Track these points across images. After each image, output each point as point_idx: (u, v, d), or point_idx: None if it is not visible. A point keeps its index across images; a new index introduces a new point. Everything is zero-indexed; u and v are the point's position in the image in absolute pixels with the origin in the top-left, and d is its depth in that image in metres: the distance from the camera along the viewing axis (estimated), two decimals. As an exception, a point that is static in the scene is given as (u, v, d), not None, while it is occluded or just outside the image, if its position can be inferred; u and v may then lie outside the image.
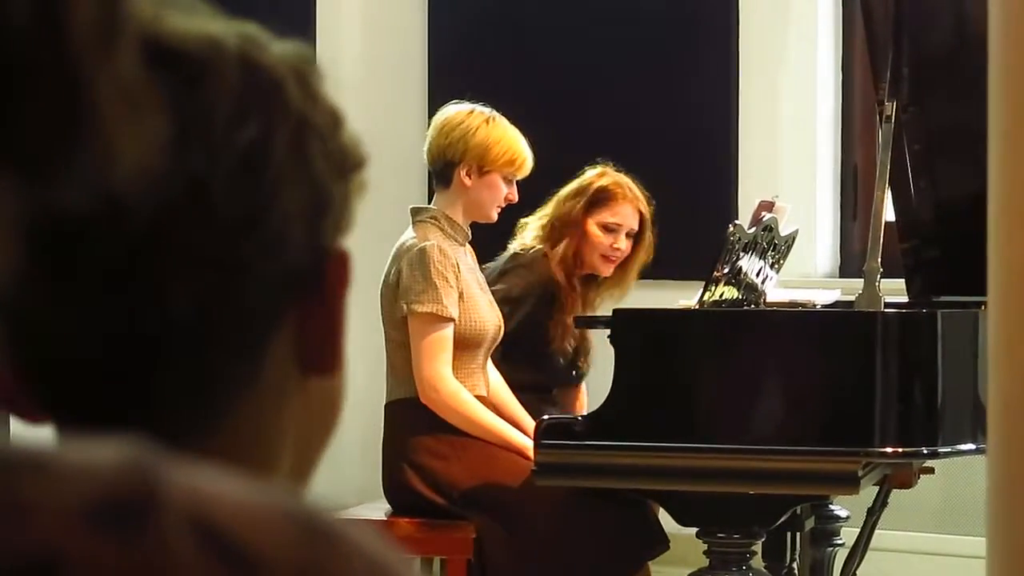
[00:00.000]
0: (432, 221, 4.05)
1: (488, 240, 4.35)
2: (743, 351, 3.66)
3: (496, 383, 4.15)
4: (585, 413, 3.73)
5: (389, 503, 4.07)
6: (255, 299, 0.83)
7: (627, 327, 3.73)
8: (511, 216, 4.17)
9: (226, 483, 0.66)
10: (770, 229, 4.08)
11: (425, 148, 4.13)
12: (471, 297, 4.00)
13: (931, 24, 4.05)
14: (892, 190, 4.05)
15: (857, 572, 4.24)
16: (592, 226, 4.29)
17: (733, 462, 3.53)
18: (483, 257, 4.31)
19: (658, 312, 4.10)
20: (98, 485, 0.63)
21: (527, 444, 3.83)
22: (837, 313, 4.08)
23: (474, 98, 4.15)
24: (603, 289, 4.37)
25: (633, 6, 5.85)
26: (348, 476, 5.47)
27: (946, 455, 3.62)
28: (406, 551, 0.72)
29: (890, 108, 3.92)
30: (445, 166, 4.07)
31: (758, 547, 3.85)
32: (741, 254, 3.94)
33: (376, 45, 6.23)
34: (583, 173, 4.38)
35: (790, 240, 4.27)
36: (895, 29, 3.95)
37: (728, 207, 5.53)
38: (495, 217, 4.10)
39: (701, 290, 3.89)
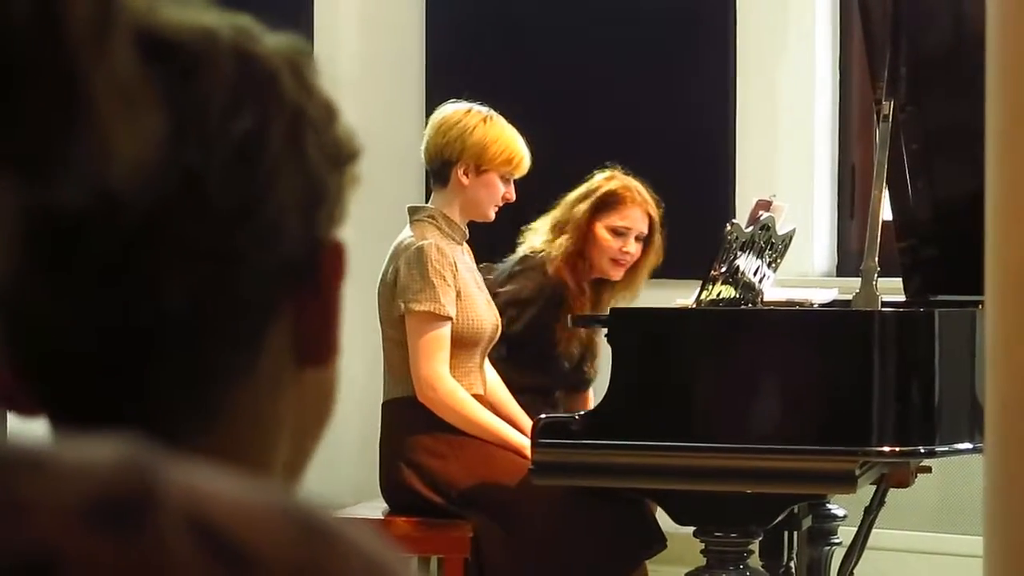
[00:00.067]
0: (429, 220, 4.05)
1: (486, 239, 4.35)
2: (740, 350, 3.66)
3: (493, 382, 4.15)
4: (582, 412, 3.73)
5: (386, 502, 4.07)
6: (250, 290, 0.84)
7: (624, 326, 3.73)
8: (508, 215, 4.17)
9: (223, 481, 0.66)
10: (767, 228, 4.08)
11: (422, 147, 4.13)
12: (469, 296, 4.00)
13: (929, 24, 4.05)
14: (890, 189, 4.05)
15: (854, 571, 4.24)
16: (601, 230, 4.27)
17: (730, 461, 3.53)
18: (481, 256, 4.31)
19: (655, 311, 4.10)
20: (95, 484, 0.63)
21: (525, 443, 3.83)
22: (834, 312, 4.08)
23: (472, 97, 4.14)
24: (613, 292, 4.35)
25: (632, 6, 5.84)
26: (345, 475, 5.47)
27: (943, 454, 3.62)
28: (403, 550, 0.71)
29: (888, 107, 3.92)
30: (442, 165, 4.07)
31: (755, 546, 3.85)
32: (738, 253, 3.94)
33: (373, 43, 6.23)
34: (592, 177, 4.36)
35: (787, 239, 4.27)
36: (893, 29, 3.95)
37: (726, 206, 5.53)
38: (492, 216, 4.10)
39: (698, 289, 3.89)
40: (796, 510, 4.02)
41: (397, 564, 0.68)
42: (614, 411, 3.62)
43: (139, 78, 0.66)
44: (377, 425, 4.09)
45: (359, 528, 0.68)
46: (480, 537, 3.90)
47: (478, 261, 4.25)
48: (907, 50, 3.97)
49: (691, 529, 3.67)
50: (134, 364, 0.82)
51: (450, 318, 3.93)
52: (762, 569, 3.99)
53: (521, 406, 4.12)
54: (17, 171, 0.63)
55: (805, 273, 5.52)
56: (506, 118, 4.12)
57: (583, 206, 4.28)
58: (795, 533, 4.25)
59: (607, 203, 4.29)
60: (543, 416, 3.71)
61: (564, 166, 5.18)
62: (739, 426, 3.57)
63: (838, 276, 5.62)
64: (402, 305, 3.93)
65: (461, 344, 3.97)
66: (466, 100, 4.13)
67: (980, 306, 3.17)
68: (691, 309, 3.94)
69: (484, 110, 4.10)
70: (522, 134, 4.11)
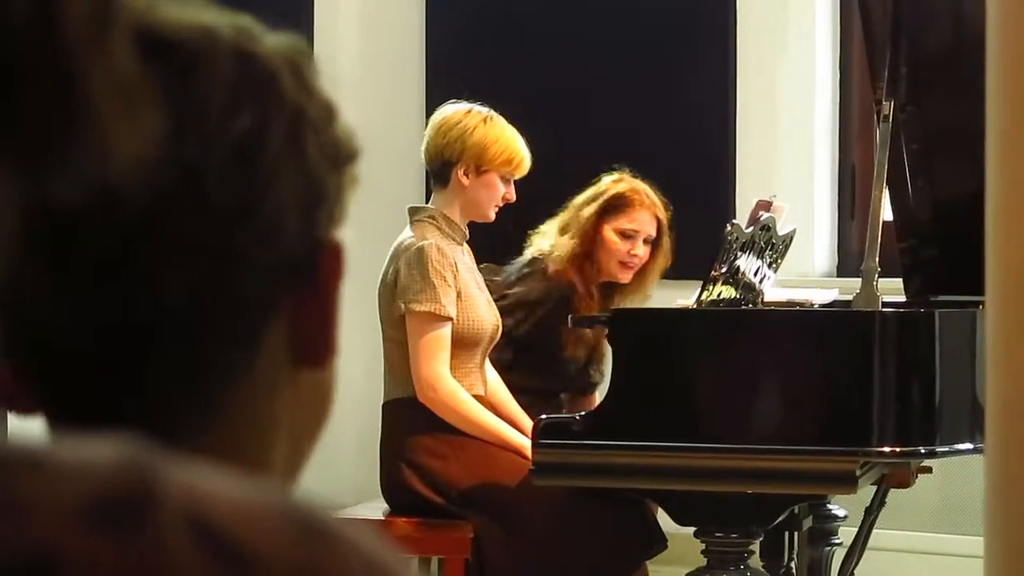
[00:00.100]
0: (430, 220, 4.05)
1: (486, 239, 4.34)
2: (741, 351, 3.66)
3: (494, 382, 4.15)
4: (583, 413, 3.72)
5: (387, 502, 4.06)
6: (249, 288, 0.84)
7: (625, 326, 3.73)
8: (509, 216, 4.17)
9: (223, 481, 0.66)
10: (768, 228, 4.08)
11: (423, 147, 4.13)
12: (469, 296, 4.00)
13: (929, 24, 4.05)
14: (890, 189, 4.05)
15: (855, 571, 4.24)
16: (609, 232, 4.26)
17: (731, 461, 3.53)
18: (481, 256, 4.31)
19: (656, 311, 4.10)
20: (95, 483, 0.63)
21: (525, 443, 3.83)
22: (835, 313, 4.08)
23: (472, 97, 4.14)
24: (624, 295, 4.34)
25: (632, 6, 5.84)
26: (346, 475, 5.47)
27: (944, 455, 3.62)
28: (404, 550, 0.71)
29: (888, 107, 3.92)
30: (443, 166, 4.07)
31: (756, 546, 3.85)
32: (739, 253, 3.94)
33: (374, 44, 6.23)
34: (599, 179, 4.36)
35: (788, 239, 4.26)
36: (893, 29, 3.95)
37: (726, 206, 5.53)
38: (492, 217, 4.10)
39: (699, 289, 3.89)
40: (797, 510, 4.02)
41: (397, 564, 0.68)
42: (615, 411, 3.61)
43: (138, 76, 0.66)
44: (377, 425, 4.09)
45: (358, 528, 0.68)
46: (481, 537, 3.90)
47: (478, 261, 4.25)
48: (907, 50, 3.97)
49: (692, 529, 3.67)
50: (133, 361, 0.82)
51: (451, 318, 3.93)
52: (763, 569, 3.99)
53: (526, 408, 4.11)
54: (16, 169, 0.63)
55: (805, 273, 5.52)
56: (506, 118, 4.12)
57: (591, 209, 4.28)
58: (796, 533, 4.25)
59: (615, 206, 4.28)
60: (544, 416, 3.71)
61: (564, 166, 5.17)
62: (740, 426, 3.57)
63: (838, 276, 5.62)
64: (402, 305, 3.93)
65: (462, 344, 3.97)
66: (466, 100, 4.13)
67: (980, 306, 3.17)
68: (692, 309, 3.94)
69: (484, 110, 4.10)
70: (522, 134, 4.11)
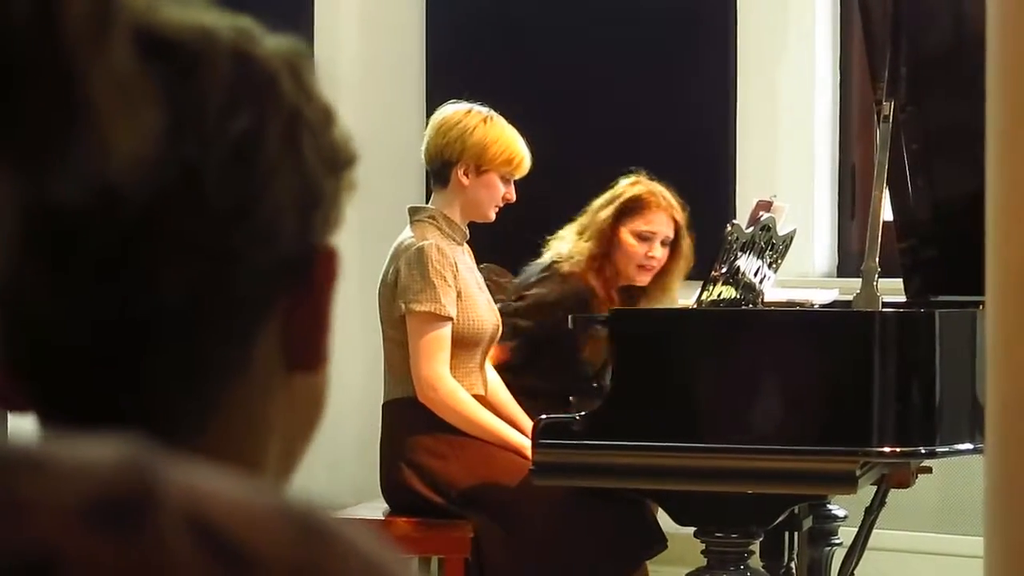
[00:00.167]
0: (430, 220, 4.05)
1: (486, 240, 4.35)
2: (741, 351, 3.66)
3: (494, 383, 4.15)
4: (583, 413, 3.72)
5: (387, 502, 4.06)
6: (244, 288, 0.84)
7: (625, 326, 3.73)
8: (509, 216, 4.17)
9: (222, 481, 0.66)
10: (768, 228, 4.08)
11: (423, 148, 4.13)
12: (469, 296, 4.00)
13: (929, 24, 4.05)
14: (890, 190, 4.05)
15: (855, 572, 4.24)
16: (626, 235, 4.26)
17: (731, 462, 3.53)
18: (481, 256, 4.31)
19: (656, 311, 4.10)
20: (95, 483, 0.63)
21: (525, 443, 3.83)
22: (835, 313, 4.08)
23: (472, 97, 4.14)
24: (649, 299, 4.32)
25: (632, 6, 5.84)
26: (346, 475, 5.48)
27: (944, 455, 3.62)
28: (404, 550, 0.71)
29: (888, 108, 3.92)
30: (443, 166, 4.07)
31: (756, 547, 3.85)
32: (739, 253, 3.94)
33: (374, 44, 6.23)
34: (616, 183, 4.35)
35: (788, 239, 4.26)
36: (893, 29, 3.95)
37: (726, 207, 5.53)
38: (493, 217, 4.10)
39: (699, 290, 3.89)
40: (797, 510, 4.02)
41: (396, 564, 0.68)
42: (615, 411, 3.61)
43: (138, 75, 0.66)
44: (377, 425, 4.09)
45: (358, 528, 0.68)
46: (480, 537, 3.90)
47: (478, 261, 4.25)
48: (907, 50, 3.97)
49: (692, 529, 3.67)
50: (130, 359, 0.82)
51: (451, 318, 3.93)
52: (763, 570, 3.99)
53: (538, 411, 4.10)
54: (16, 169, 0.63)
55: (806, 274, 5.52)
56: (506, 118, 4.12)
57: (607, 211, 4.27)
58: (796, 533, 4.25)
59: (632, 208, 4.27)
60: (543, 417, 3.70)
61: (564, 166, 5.18)
62: (740, 427, 3.57)
63: (839, 276, 5.62)
64: (403, 305, 3.93)
65: (462, 344, 3.97)
66: (466, 100, 4.13)
67: (981, 306, 3.17)
68: (692, 309, 3.94)
69: (484, 110, 4.10)
70: (522, 134, 4.11)
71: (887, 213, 4.03)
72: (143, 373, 0.82)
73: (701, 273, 3.90)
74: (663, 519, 3.80)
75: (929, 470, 4.19)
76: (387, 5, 6.24)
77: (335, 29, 6.15)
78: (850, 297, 3.83)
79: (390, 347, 4.04)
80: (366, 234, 5.02)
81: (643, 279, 4.28)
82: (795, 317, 3.96)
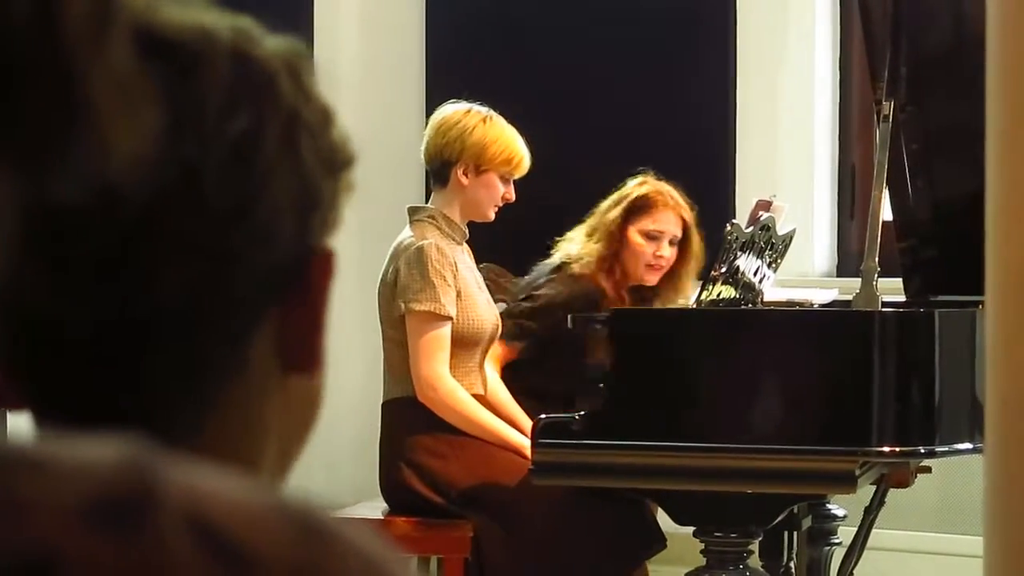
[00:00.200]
0: (429, 220, 4.05)
1: (487, 239, 4.35)
2: (740, 350, 3.65)
3: (494, 382, 4.15)
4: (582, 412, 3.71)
5: (386, 502, 4.06)
6: (241, 289, 0.83)
7: (625, 326, 3.73)
8: (508, 215, 4.17)
9: (222, 481, 0.66)
10: (768, 228, 4.08)
11: (422, 147, 4.13)
12: (469, 296, 4.00)
13: (929, 24, 4.05)
14: (890, 189, 4.05)
15: (854, 571, 4.24)
16: (634, 234, 4.25)
17: (730, 461, 3.53)
18: (481, 256, 4.31)
19: (656, 311, 4.10)
20: (95, 483, 0.63)
21: (525, 443, 3.83)
22: (835, 312, 4.08)
23: (471, 97, 4.14)
24: (662, 300, 4.31)
25: (632, 6, 5.84)
26: (345, 475, 5.47)
27: (943, 454, 3.62)
28: (403, 550, 0.72)
29: (888, 107, 3.92)
30: (442, 165, 4.07)
31: (755, 546, 3.85)
32: (739, 253, 3.94)
33: (374, 44, 6.23)
34: (624, 184, 4.35)
35: (788, 239, 4.26)
36: (893, 29, 3.95)
37: (726, 206, 5.53)
38: (492, 216, 4.10)
39: (699, 289, 3.89)
40: (796, 510, 4.02)
41: (395, 564, 0.68)
42: (614, 411, 3.61)
43: (137, 74, 0.66)
44: (377, 425, 4.09)
45: (358, 528, 0.68)
46: (480, 537, 3.90)
47: (478, 261, 4.25)
48: (907, 50, 3.97)
49: (691, 529, 3.67)
50: (127, 359, 0.81)
51: (450, 318, 3.93)
52: (762, 569, 3.99)
53: (544, 412, 4.08)
54: (16, 169, 0.63)
55: (805, 273, 5.52)
56: (506, 118, 4.12)
57: (616, 212, 4.26)
58: (795, 533, 4.25)
59: (639, 207, 4.27)
60: (543, 416, 3.70)
61: (564, 166, 5.17)
62: (739, 426, 3.57)
63: (838, 276, 5.62)
64: (402, 305, 3.93)
65: (461, 344, 3.97)
66: (466, 100, 4.13)
67: (980, 306, 3.17)
68: (691, 309, 3.94)
69: (484, 110, 4.10)
70: (522, 134, 4.11)
71: (887, 213, 4.03)
72: (140, 373, 0.82)
73: (701, 273, 3.89)
74: (662, 518, 3.80)
75: (928, 470, 4.19)
76: (387, 5, 6.24)
77: (335, 29, 6.15)
78: (850, 297, 3.83)
79: (389, 347, 4.04)
80: (366, 234, 5.01)
81: (652, 279, 4.27)
82: (795, 317, 3.95)
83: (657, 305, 4.27)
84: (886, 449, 3.55)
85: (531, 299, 4.24)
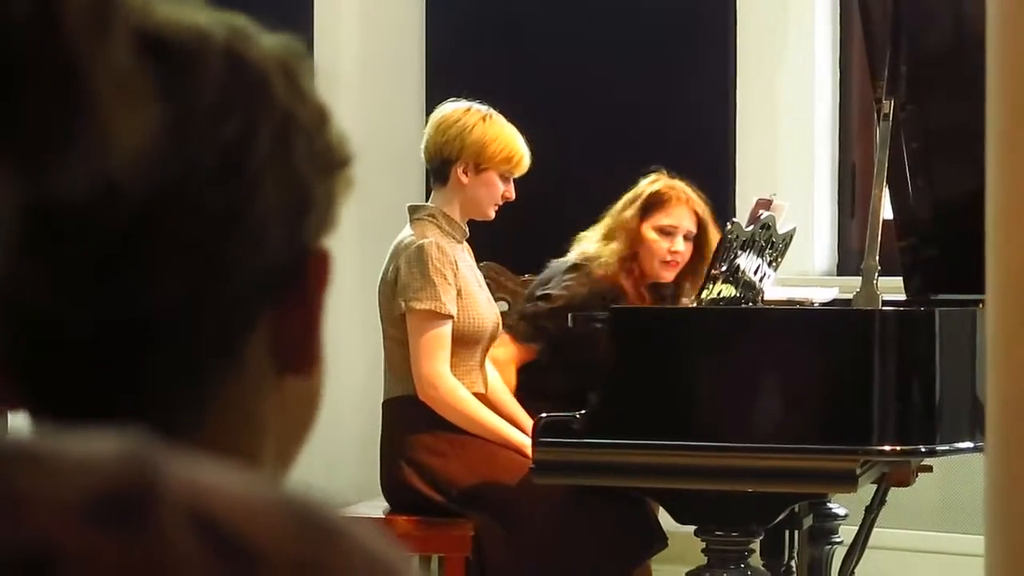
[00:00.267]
0: (430, 219, 4.05)
1: (487, 238, 4.34)
2: (741, 349, 3.65)
3: (494, 381, 4.15)
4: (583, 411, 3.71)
5: (387, 501, 4.06)
6: (236, 290, 0.83)
7: (625, 325, 3.73)
8: (508, 214, 4.17)
9: (224, 475, 0.66)
10: (768, 227, 4.08)
11: (422, 146, 4.13)
12: (469, 294, 4.00)
13: (929, 23, 4.05)
14: (890, 188, 4.05)
15: (855, 570, 4.24)
16: (648, 231, 4.24)
17: (731, 460, 3.53)
18: (481, 255, 4.31)
19: (656, 310, 4.10)
20: (96, 478, 0.63)
21: (526, 442, 3.83)
22: (835, 311, 4.08)
23: (471, 96, 4.15)
24: (686, 297, 4.30)
25: (632, 6, 5.84)
26: (346, 474, 5.47)
27: (944, 453, 3.62)
28: (404, 549, 0.71)
29: (888, 106, 3.91)
30: (442, 164, 4.07)
31: (756, 545, 3.85)
32: (739, 252, 3.94)
33: (374, 43, 6.23)
34: (637, 183, 4.34)
35: (788, 238, 4.26)
36: (893, 28, 3.95)
37: (726, 205, 5.53)
38: (492, 215, 4.10)
39: (699, 288, 3.89)
40: (797, 509, 4.02)
41: (400, 561, 0.68)
42: (615, 410, 3.61)
43: (137, 70, 0.66)
44: (378, 424, 4.09)
45: (362, 524, 0.68)
46: (481, 536, 3.90)
47: (478, 259, 4.25)
48: (907, 49, 3.97)
49: (692, 528, 3.67)
50: (124, 359, 0.81)
51: (451, 316, 3.93)
52: (763, 568, 3.99)
53: (562, 412, 4.06)
54: (17, 167, 0.63)
55: (806, 272, 5.52)
56: (506, 117, 4.12)
57: (632, 211, 4.25)
58: (796, 532, 4.25)
59: (653, 204, 4.26)
60: (544, 415, 3.70)
61: (564, 165, 5.17)
62: (740, 425, 3.56)
63: (839, 275, 5.62)
64: (403, 304, 3.93)
65: (462, 342, 3.97)
66: (466, 99, 4.13)
67: (981, 305, 3.17)
68: (692, 308, 3.94)
69: (483, 109, 4.10)
70: (522, 134, 4.11)
71: (887, 211, 4.03)
72: (138, 374, 0.82)
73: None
74: (663, 517, 3.80)
75: (929, 468, 4.19)
76: (387, 5, 6.24)
77: (335, 28, 6.15)
78: (850, 295, 3.83)
79: (390, 345, 4.04)
80: (366, 233, 5.01)
81: (668, 275, 4.26)
82: (795, 316, 3.95)
83: (683, 301, 4.26)
84: (887, 448, 3.55)
85: (547, 299, 4.22)
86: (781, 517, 3.69)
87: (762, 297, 4.20)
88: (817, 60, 5.66)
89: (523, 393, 4.18)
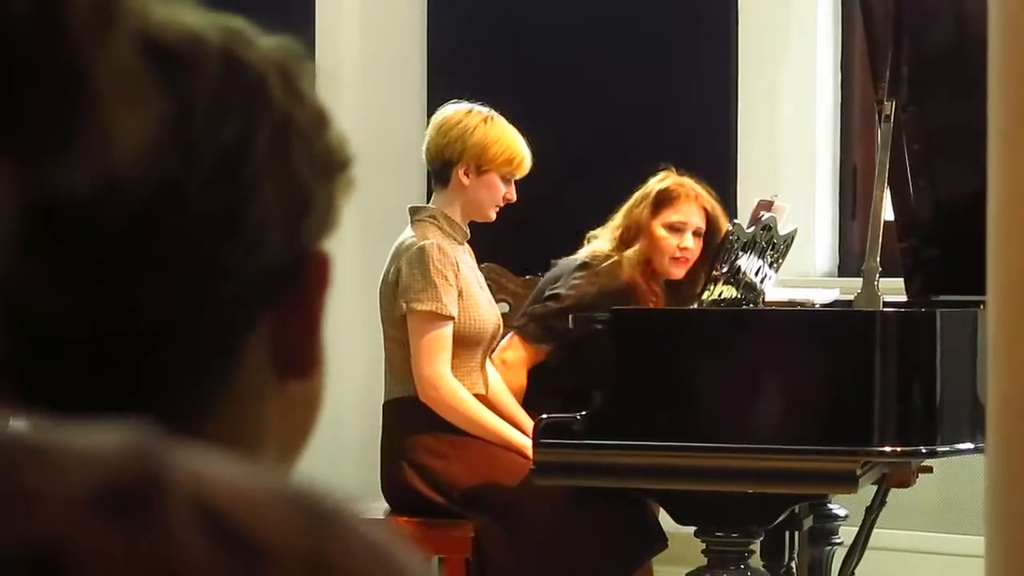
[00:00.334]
0: (431, 220, 4.05)
1: (488, 239, 4.34)
2: (742, 350, 3.65)
3: (495, 382, 4.15)
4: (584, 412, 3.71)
5: (388, 502, 4.07)
6: (234, 294, 0.83)
7: (626, 326, 3.73)
8: (509, 215, 4.17)
9: (229, 468, 0.66)
10: (769, 228, 4.08)
11: (423, 147, 4.13)
12: (470, 296, 4.00)
13: (931, 24, 4.05)
14: (891, 189, 4.05)
15: (856, 571, 4.24)
16: (658, 228, 4.22)
17: (732, 461, 3.53)
18: (482, 256, 4.31)
19: (657, 311, 4.09)
20: (101, 472, 0.63)
21: (526, 443, 3.83)
22: (836, 312, 4.08)
23: (473, 97, 4.15)
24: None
25: (633, 6, 5.84)
26: (347, 475, 5.47)
27: (945, 454, 3.62)
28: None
29: (889, 107, 3.92)
30: (443, 165, 4.07)
31: (756, 546, 3.85)
32: (740, 253, 3.94)
33: (375, 44, 6.23)
34: (647, 181, 4.33)
35: (789, 239, 4.26)
36: (895, 29, 3.95)
37: (727, 207, 5.52)
38: (493, 216, 4.10)
39: (700, 289, 3.89)
40: (797, 510, 4.02)
41: (405, 556, 0.68)
42: (615, 411, 3.61)
43: (140, 68, 0.66)
44: (378, 425, 4.09)
45: (368, 519, 0.68)
46: (482, 537, 3.90)
47: (479, 261, 4.25)
48: (909, 50, 3.97)
49: (692, 529, 3.67)
50: (123, 361, 0.81)
51: (452, 318, 3.93)
52: (763, 569, 3.99)
53: (574, 412, 4.05)
54: (18, 165, 0.64)
55: (807, 273, 5.52)
56: (507, 118, 4.12)
57: (641, 208, 4.24)
58: (796, 533, 4.25)
59: (661, 201, 4.25)
60: (544, 416, 3.70)
61: (565, 166, 5.17)
62: (741, 426, 3.57)
63: (840, 276, 5.62)
64: (404, 305, 3.93)
65: (463, 344, 3.97)
66: (467, 100, 4.13)
67: (982, 306, 3.17)
68: (693, 309, 3.94)
69: (485, 110, 4.10)
70: (523, 134, 4.11)
71: (888, 213, 4.03)
72: (137, 376, 0.82)
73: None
74: (664, 518, 3.80)
75: (930, 469, 4.19)
76: (388, 5, 6.24)
77: (336, 29, 6.15)
78: (851, 297, 3.83)
79: (391, 346, 4.04)
80: (367, 234, 5.02)
81: (678, 272, 4.24)
82: (796, 317, 3.96)
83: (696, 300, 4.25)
84: (887, 449, 3.55)
85: (556, 299, 4.21)
86: (781, 518, 3.69)
87: (763, 298, 4.20)
88: (819, 61, 5.66)
89: (536, 393, 4.17)
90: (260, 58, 0.85)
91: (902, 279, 4.21)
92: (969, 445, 3.61)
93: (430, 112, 4.38)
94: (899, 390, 3.55)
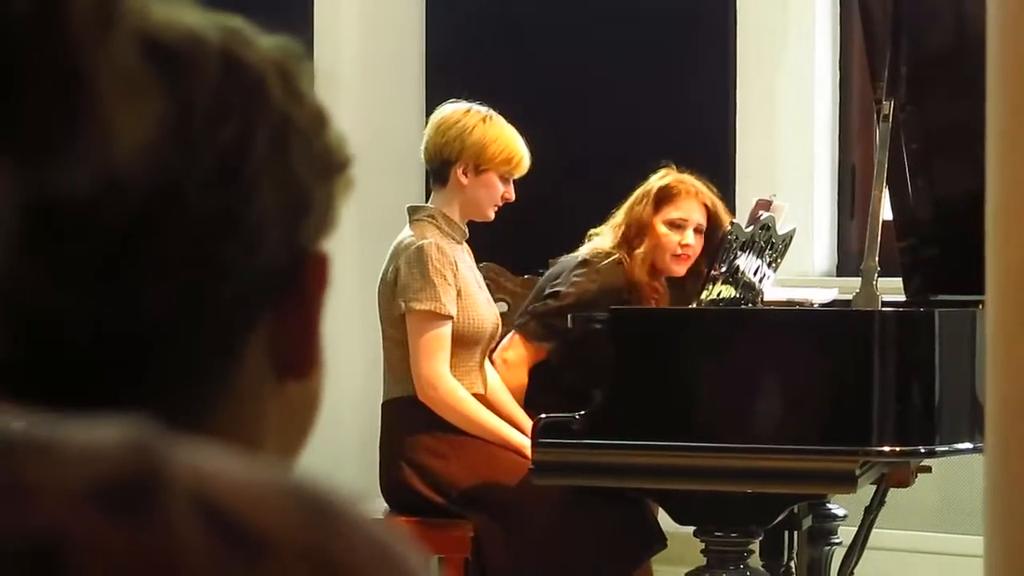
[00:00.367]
0: (429, 220, 4.05)
1: (487, 239, 4.34)
2: (740, 350, 3.65)
3: (494, 382, 4.15)
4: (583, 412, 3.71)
5: (387, 502, 4.07)
6: (232, 294, 0.83)
7: (625, 325, 3.73)
8: (508, 215, 4.17)
9: (229, 462, 0.66)
10: (768, 228, 4.08)
11: (422, 147, 4.13)
12: (469, 295, 4.00)
13: (930, 23, 4.05)
14: (890, 189, 4.05)
15: (855, 571, 4.24)
16: (660, 225, 4.22)
17: (731, 461, 3.53)
18: (481, 256, 4.31)
19: (656, 311, 4.09)
20: (101, 466, 0.63)
21: (525, 443, 3.83)
22: (835, 312, 4.08)
23: (471, 97, 4.15)
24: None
25: (632, 6, 5.84)
26: (346, 474, 5.47)
27: (944, 454, 3.62)
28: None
29: (888, 107, 3.92)
30: (442, 165, 4.07)
31: (755, 546, 3.85)
32: (739, 253, 3.94)
33: (374, 44, 6.23)
34: (647, 179, 4.33)
35: (788, 239, 4.26)
36: (893, 29, 3.95)
37: (726, 206, 5.53)
38: (492, 216, 4.10)
39: (699, 289, 3.89)
40: (796, 510, 4.02)
41: (406, 551, 0.68)
42: (614, 411, 3.61)
43: (140, 67, 0.66)
44: (377, 425, 4.09)
45: (369, 514, 0.69)
46: (481, 537, 3.90)
47: (478, 260, 4.25)
48: (907, 50, 3.97)
49: (691, 528, 3.67)
50: (121, 362, 0.81)
51: (451, 317, 3.93)
52: (762, 569, 3.99)
53: (576, 410, 4.05)
54: (18, 165, 0.64)
55: (805, 273, 5.52)
56: (506, 118, 4.12)
57: (643, 206, 4.24)
58: (795, 533, 4.25)
59: (662, 198, 4.25)
60: (543, 416, 3.70)
61: (564, 166, 5.17)
62: (739, 426, 3.57)
63: (838, 276, 5.62)
64: (402, 304, 3.93)
65: (462, 343, 3.97)
66: (466, 100, 4.13)
67: (980, 306, 3.17)
68: (691, 309, 3.94)
69: (483, 110, 4.10)
70: (522, 134, 4.11)
71: (887, 212, 4.03)
72: (138, 373, 0.82)
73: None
74: (663, 518, 3.80)
75: (929, 469, 4.19)
76: (387, 5, 6.24)
77: (335, 29, 6.15)
78: (850, 296, 3.83)
79: (390, 346, 4.04)
80: (366, 233, 5.02)
81: (680, 269, 4.24)
82: (795, 316, 3.96)
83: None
84: (886, 449, 3.55)
85: (557, 296, 4.20)
86: (780, 518, 3.69)
87: (762, 298, 4.20)
88: (817, 61, 5.66)
89: (537, 392, 4.17)
90: (259, 58, 0.85)
91: (901, 279, 4.21)
92: (968, 445, 3.61)
93: (428, 112, 4.39)
94: (898, 390, 3.55)
